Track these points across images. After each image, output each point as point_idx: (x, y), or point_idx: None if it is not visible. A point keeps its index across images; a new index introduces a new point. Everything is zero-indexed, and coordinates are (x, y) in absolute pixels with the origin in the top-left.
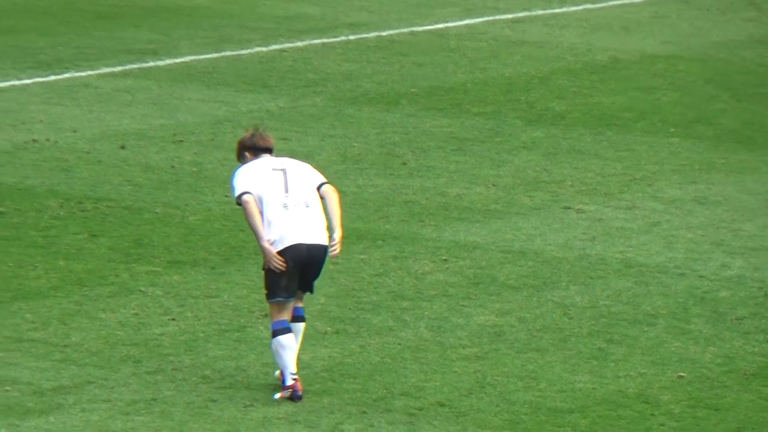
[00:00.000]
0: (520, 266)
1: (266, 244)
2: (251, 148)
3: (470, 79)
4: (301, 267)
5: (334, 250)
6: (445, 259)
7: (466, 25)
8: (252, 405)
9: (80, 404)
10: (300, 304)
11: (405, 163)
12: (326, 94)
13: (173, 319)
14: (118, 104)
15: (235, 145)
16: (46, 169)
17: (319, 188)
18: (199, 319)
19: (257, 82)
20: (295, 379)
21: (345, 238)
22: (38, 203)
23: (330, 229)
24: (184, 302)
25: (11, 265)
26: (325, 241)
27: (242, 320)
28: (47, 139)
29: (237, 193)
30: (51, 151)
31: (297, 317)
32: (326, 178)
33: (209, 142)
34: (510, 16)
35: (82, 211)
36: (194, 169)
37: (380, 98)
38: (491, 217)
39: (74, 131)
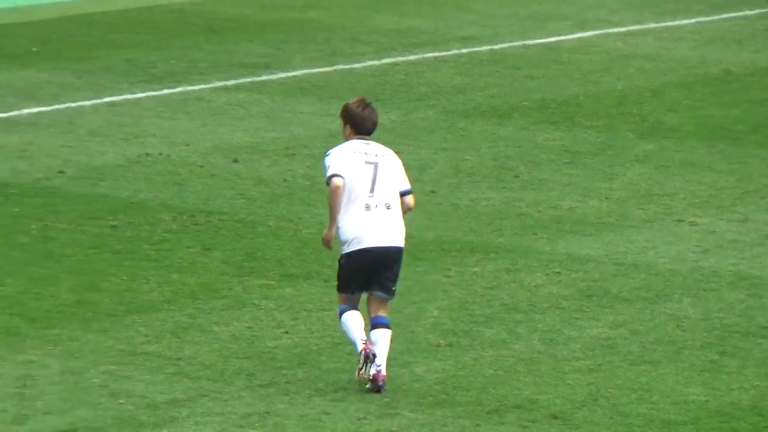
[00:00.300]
0: (632, 279)
1: (330, 234)
2: (353, 126)
3: (583, 92)
4: (375, 268)
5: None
6: (558, 272)
7: (579, 39)
8: (365, 418)
9: (194, 417)
10: (382, 312)
11: (518, 176)
12: (438, 107)
13: (286, 332)
14: (230, 118)
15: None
16: (159, 182)
17: (403, 195)
18: (312, 332)
19: (369, 96)
20: (364, 342)
21: (458, 251)
22: (151, 217)
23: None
24: (297, 315)
25: (125, 278)
26: (400, 243)
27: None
28: (160, 153)
29: (330, 173)
30: (164, 165)
31: (381, 324)
32: (411, 185)
33: (322, 155)
34: (622, 29)
35: (195, 224)
36: (307, 183)
37: (493, 111)
38: (604, 229)
39: (187, 145)
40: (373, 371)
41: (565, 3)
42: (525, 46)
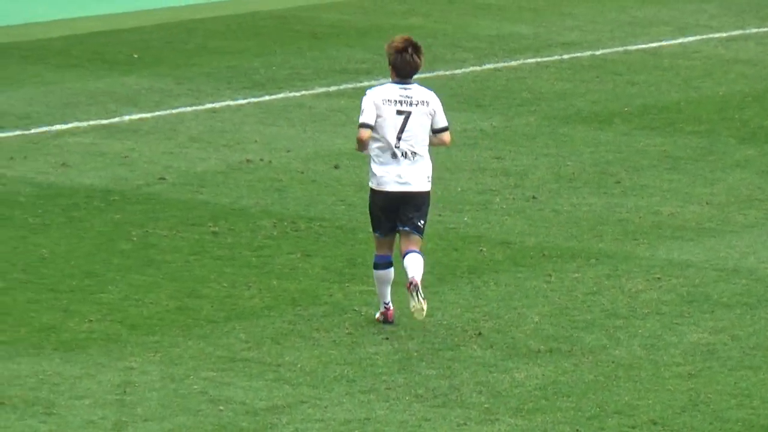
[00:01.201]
0: (733, 284)
1: (362, 148)
2: (393, 68)
3: (684, 98)
4: (397, 207)
5: None
6: (659, 278)
7: (680, 44)
8: (465, 424)
9: (293, 424)
10: (413, 247)
11: (619, 182)
12: (540, 113)
13: (386, 338)
14: (332, 124)
15: (449, 164)
16: (260, 189)
17: (437, 132)
18: (412, 338)
19: (471, 102)
20: (387, 308)
21: (558, 257)
22: (252, 223)
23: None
24: (397, 321)
25: (225, 285)
26: (423, 188)
27: (456, 339)
28: (261, 159)
29: (360, 120)
30: (265, 171)
31: (409, 252)
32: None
33: None
34: (724, 34)
35: (296, 231)
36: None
37: (594, 117)
38: (705, 235)
39: (288, 151)
40: (421, 300)
41: (666, 8)
42: (626, 52)
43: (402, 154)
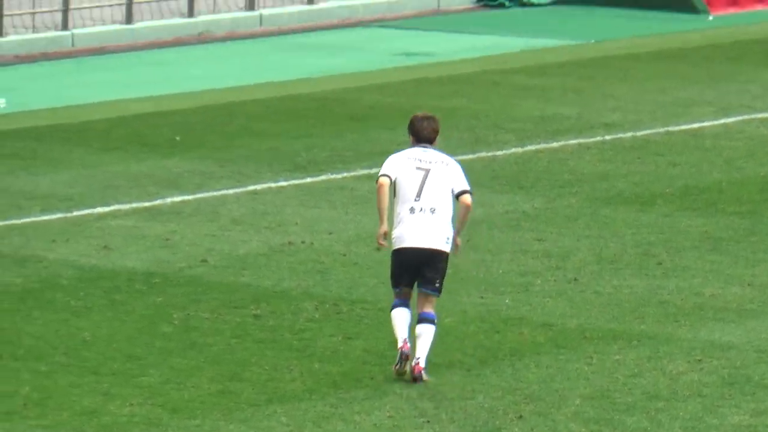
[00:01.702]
0: None
1: (381, 230)
2: (413, 134)
3: (726, 179)
4: (416, 266)
5: (455, 251)
6: (700, 360)
7: (722, 124)
8: None
9: None
10: (428, 309)
11: (660, 263)
12: (581, 194)
13: (428, 421)
14: (373, 206)
15: (491, 246)
16: (302, 271)
17: (458, 195)
18: (454, 421)
19: (513, 183)
20: (404, 341)
21: (600, 338)
22: (294, 306)
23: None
24: (439, 404)
25: (267, 368)
26: (441, 247)
27: (497, 422)
28: (303, 242)
29: (380, 172)
30: (307, 254)
31: (425, 319)
32: (470, 188)
33: (465, 243)
34: (766, 114)
35: (338, 313)
36: (450, 271)
37: (635, 198)
38: (746, 316)
39: (330, 233)
40: (408, 367)
41: (709, 89)
42: (668, 133)
43: (420, 210)
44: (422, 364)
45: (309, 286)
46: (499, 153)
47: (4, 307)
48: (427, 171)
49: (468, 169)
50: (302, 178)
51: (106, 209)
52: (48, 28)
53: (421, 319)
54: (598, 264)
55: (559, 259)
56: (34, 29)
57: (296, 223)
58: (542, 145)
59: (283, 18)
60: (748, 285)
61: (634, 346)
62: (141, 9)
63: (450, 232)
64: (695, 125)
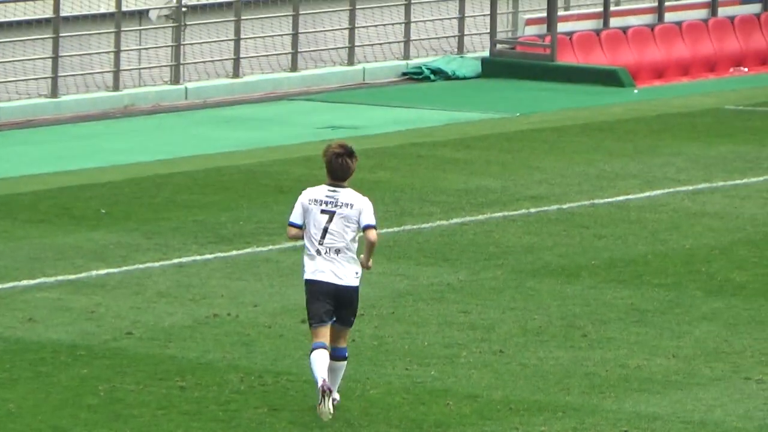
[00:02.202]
0: None
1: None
2: (329, 171)
3: (651, 251)
4: (333, 303)
5: (367, 267)
6: (626, 431)
7: (647, 197)
8: None
9: None
10: (342, 344)
11: (585, 335)
12: (507, 266)
13: None
14: (299, 278)
15: (416, 318)
16: (227, 343)
17: (364, 229)
18: None
19: (438, 255)
20: (323, 380)
21: (525, 410)
22: (219, 377)
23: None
24: None
25: None
26: (352, 283)
27: None
28: (228, 314)
29: (289, 219)
30: (232, 326)
31: (338, 357)
32: (375, 223)
33: (390, 316)
34: (690, 187)
35: (263, 385)
36: (375, 343)
37: (561, 270)
38: (672, 387)
39: (255, 306)
40: (329, 404)
41: (634, 162)
42: (593, 205)
43: (326, 251)
44: (337, 397)
45: (234, 358)
46: (424, 225)
47: None
48: (332, 213)
49: (393, 241)
50: (228, 250)
51: (32, 282)
52: None
53: (335, 356)
54: (524, 336)
55: (485, 331)
56: None
57: (221, 296)
58: (467, 218)
59: (209, 91)
60: (673, 356)
61: (559, 417)
62: (66, 82)
63: (358, 268)
64: (621, 198)
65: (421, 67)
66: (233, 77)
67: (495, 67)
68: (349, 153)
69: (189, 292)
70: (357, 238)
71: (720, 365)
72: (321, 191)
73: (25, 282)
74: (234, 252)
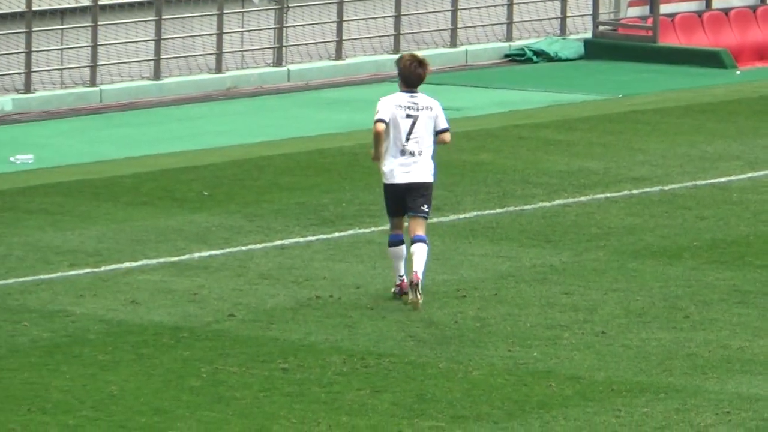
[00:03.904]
0: None
1: (379, 165)
2: (402, 79)
3: (753, 232)
4: (406, 197)
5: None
6: (728, 412)
7: (750, 179)
8: None
9: None
10: (420, 231)
11: (688, 316)
12: (609, 248)
13: None
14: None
15: (518, 300)
16: (330, 325)
17: (438, 133)
18: None
19: (540, 237)
20: (401, 280)
21: (628, 391)
22: (322, 359)
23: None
24: None
25: (295, 421)
26: (427, 179)
27: None
28: (331, 296)
29: (377, 117)
30: (334, 308)
31: (417, 240)
32: (449, 126)
33: (492, 297)
34: None
35: (365, 367)
36: (477, 324)
37: (663, 252)
38: None
39: (358, 287)
40: (418, 297)
41: (736, 143)
42: (695, 187)
43: (410, 153)
44: (419, 275)
45: (336, 340)
46: (526, 207)
47: (33, 361)
48: (416, 117)
49: (496, 223)
50: (330, 232)
51: (134, 264)
52: (76, 84)
53: (415, 240)
54: (626, 317)
55: (587, 313)
56: (62, 85)
57: (324, 278)
58: (570, 200)
59: (311, 73)
60: None
61: (661, 398)
62: (169, 65)
63: (433, 167)
64: (723, 179)
65: (523, 49)
66: (336, 59)
67: (597, 49)
68: (420, 62)
69: (291, 274)
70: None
71: None
72: (402, 98)
73: (127, 264)
74: (336, 234)
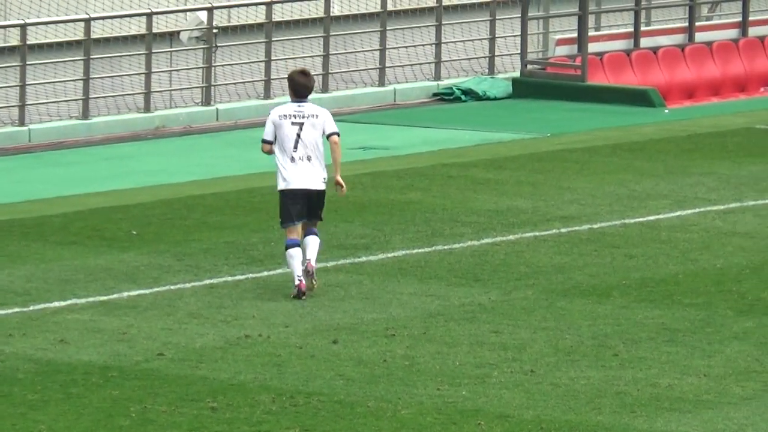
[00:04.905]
0: None
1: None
2: (292, 90)
3: (682, 271)
4: (302, 203)
5: (340, 191)
6: None
7: (678, 217)
8: None
9: None
10: (313, 227)
11: (617, 355)
12: (538, 286)
13: None
14: (330, 299)
15: (447, 338)
16: (259, 364)
17: (328, 136)
18: None
19: (469, 276)
20: (300, 281)
21: (557, 430)
22: (251, 398)
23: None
24: None
25: None
26: (320, 186)
27: None
28: (260, 335)
29: (263, 137)
30: (263, 347)
31: (309, 233)
32: (338, 130)
33: (421, 336)
34: (721, 207)
35: (294, 405)
36: (406, 363)
37: (592, 290)
38: (703, 407)
39: (286, 326)
40: (307, 283)
41: (665, 182)
42: (624, 225)
43: (300, 159)
44: (313, 263)
45: (266, 379)
46: (455, 246)
47: None
48: (301, 125)
49: (424, 262)
50: (259, 271)
51: (63, 303)
52: (5, 123)
53: (308, 233)
54: (555, 355)
55: (516, 351)
56: None
57: (253, 317)
58: (499, 238)
59: (240, 112)
60: (704, 376)
61: None
62: (97, 104)
63: (324, 174)
64: (651, 218)
65: (452, 88)
66: (264, 98)
67: (526, 88)
68: (308, 74)
69: (220, 313)
70: (323, 145)
71: (751, 384)
72: (289, 107)
73: (56, 303)
74: (265, 273)
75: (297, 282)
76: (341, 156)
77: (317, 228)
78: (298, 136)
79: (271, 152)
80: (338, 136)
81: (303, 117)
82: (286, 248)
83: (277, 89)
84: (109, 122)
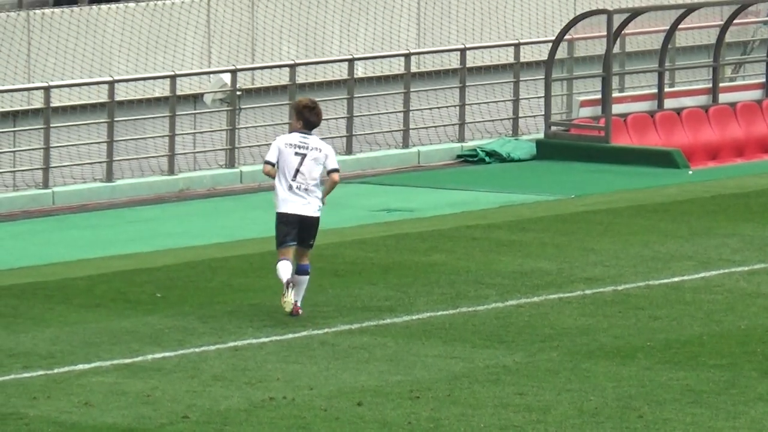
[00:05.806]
0: None
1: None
2: (302, 121)
3: (706, 332)
4: (296, 227)
5: (323, 203)
6: None
7: (702, 278)
8: None
9: None
10: (305, 261)
11: (641, 416)
12: (562, 348)
13: None
14: (354, 361)
15: (472, 401)
16: (283, 427)
17: (329, 173)
18: None
19: (494, 338)
20: (288, 278)
21: None
22: None
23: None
24: None
25: None
26: (314, 214)
27: None
28: (284, 397)
29: (266, 158)
30: (288, 409)
31: (301, 271)
32: (338, 167)
33: (446, 398)
34: (746, 268)
35: None
36: (431, 425)
37: (616, 352)
38: None
39: (311, 389)
40: (293, 299)
41: (689, 243)
42: (648, 287)
43: (297, 188)
44: (299, 306)
45: None
46: (480, 308)
47: None
48: (303, 156)
49: (449, 324)
50: (283, 333)
51: (88, 366)
52: (28, 186)
53: (299, 271)
54: (580, 417)
55: (541, 413)
56: (15, 187)
57: (277, 379)
58: (523, 300)
59: (263, 174)
60: None
61: None
62: (121, 167)
63: (320, 203)
64: (675, 279)
65: (475, 150)
66: None
67: (550, 149)
68: (315, 106)
69: (245, 375)
70: (320, 178)
71: None
72: (294, 137)
73: (80, 366)
74: (290, 335)
75: (285, 279)
76: (333, 190)
77: (308, 261)
78: (299, 166)
79: (270, 174)
80: (338, 173)
81: (307, 149)
82: (277, 263)
83: None
84: (133, 185)
